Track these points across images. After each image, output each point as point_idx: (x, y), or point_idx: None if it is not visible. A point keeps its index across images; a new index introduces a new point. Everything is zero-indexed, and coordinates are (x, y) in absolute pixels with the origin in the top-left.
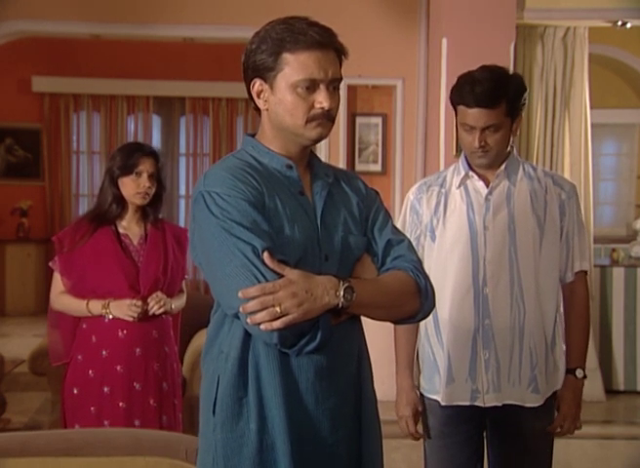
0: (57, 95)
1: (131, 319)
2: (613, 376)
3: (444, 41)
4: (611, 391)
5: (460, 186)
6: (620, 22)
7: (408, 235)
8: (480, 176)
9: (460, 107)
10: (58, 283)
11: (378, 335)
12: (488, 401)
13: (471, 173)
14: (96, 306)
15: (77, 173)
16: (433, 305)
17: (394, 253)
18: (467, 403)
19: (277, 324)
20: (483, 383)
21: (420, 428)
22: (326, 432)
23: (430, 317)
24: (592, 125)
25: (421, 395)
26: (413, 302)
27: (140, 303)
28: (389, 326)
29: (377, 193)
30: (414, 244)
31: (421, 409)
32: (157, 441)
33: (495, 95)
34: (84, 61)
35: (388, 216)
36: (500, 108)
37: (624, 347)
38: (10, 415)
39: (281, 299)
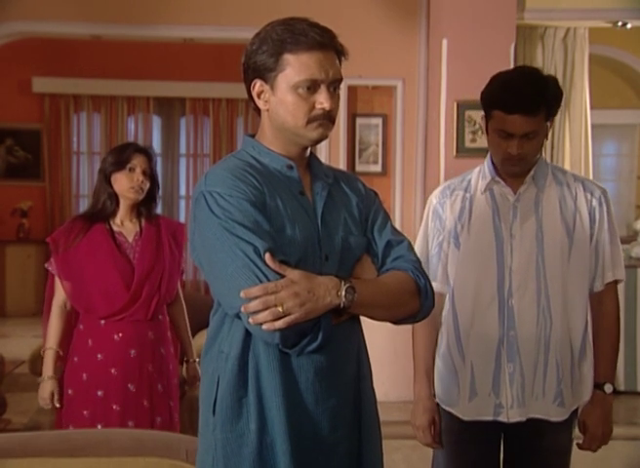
0: (57, 95)
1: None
2: None
3: (444, 42)
4: None
5: (485, 191)
6: (620, 23)
7: (430, 241)
8: (507, 182)
9: (497, 112)
10: (59, 290)
11: (378, 336)
12: (512, 416)
13: (497, 178)
14: (45, 360)
15: (77, 173)
16: (433, 305)
17: (394, 254)
18: (490, 418)
19: (279, 324)
20: (507, 398)
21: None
22: (325, 432)
23: (451, 326)
24: (592, 125)
25: (437, 405)
26: (413, 302)
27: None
28: (390, 327)
29: (376, 194)
30: (436, 250)
31: (439, 418)
32: (158, 441)
33: (536, 101)
34: (84, 62)
35: (388, 217)
36: (541, 115)
37: (624, 347)
38: (10, 416)
39: (283, 299)
